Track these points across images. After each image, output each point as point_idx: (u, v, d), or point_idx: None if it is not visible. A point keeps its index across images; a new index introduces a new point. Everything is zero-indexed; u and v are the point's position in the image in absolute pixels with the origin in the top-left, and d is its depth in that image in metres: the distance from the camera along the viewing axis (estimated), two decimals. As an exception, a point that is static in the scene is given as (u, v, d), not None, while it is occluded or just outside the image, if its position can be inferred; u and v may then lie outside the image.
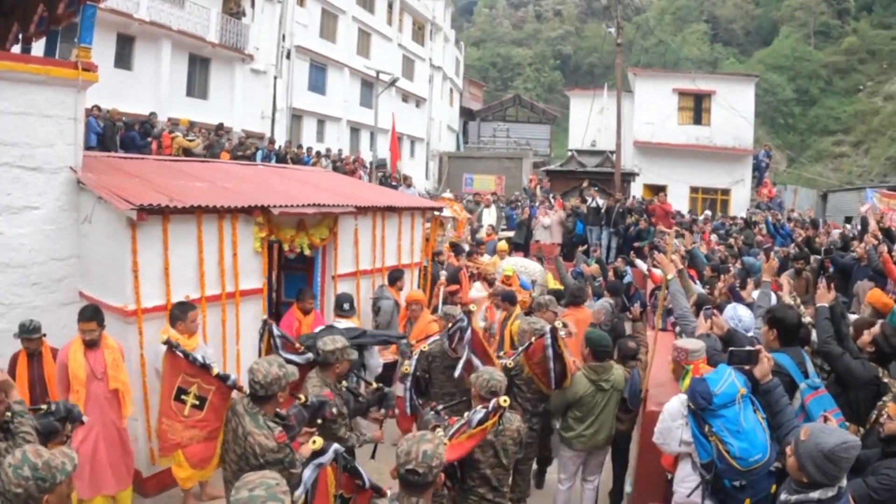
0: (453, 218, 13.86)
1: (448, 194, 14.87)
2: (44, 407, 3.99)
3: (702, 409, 4.11)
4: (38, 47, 8.87)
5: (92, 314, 5.55)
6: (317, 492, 3.56)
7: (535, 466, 6.79)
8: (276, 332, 5.94)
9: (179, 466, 5.37)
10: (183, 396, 4.35)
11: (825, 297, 5.35)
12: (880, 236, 9.58)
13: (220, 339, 7.04)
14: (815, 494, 3.03)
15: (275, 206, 7.30)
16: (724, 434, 4.01)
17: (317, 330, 6.72)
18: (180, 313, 6.05)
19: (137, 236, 6.12)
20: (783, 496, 3.23)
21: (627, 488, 7.00)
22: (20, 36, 8.87)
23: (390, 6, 37.24)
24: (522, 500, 5.97)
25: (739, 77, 31.93)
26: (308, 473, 3.51)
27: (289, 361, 4.78)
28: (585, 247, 15.53)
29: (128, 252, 6.11)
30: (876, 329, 5.07)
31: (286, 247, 7.80)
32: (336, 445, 3.58)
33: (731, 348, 4.20)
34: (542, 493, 7.02)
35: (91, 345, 5.50)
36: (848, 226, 16.40)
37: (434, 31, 42.57)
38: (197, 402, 4.36)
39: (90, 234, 6.75)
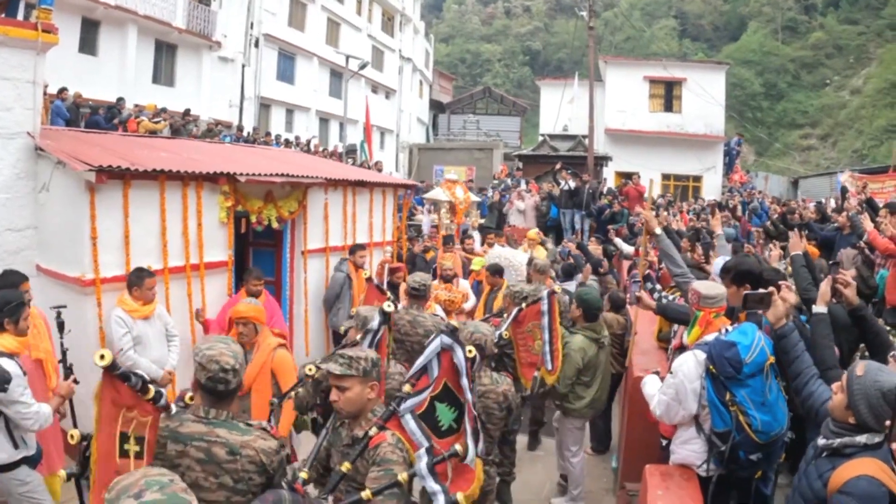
0: (449, 202, 12.87)
1: (453, 175, 13.86)
2: None
3: (728, 378, 3.73)
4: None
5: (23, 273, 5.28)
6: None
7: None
8: None
9: None
10: (125, 446, 2.87)
11: (798, 245, 5.28)
12: (863, 204, 9.52)
13: (185, 314, 6.78)
14: (861, 438, 2.72)
15: (241, 174, 7.04)
16: (749, 405, 3.66)
17: None
18: (136, 279, 5.83)
19: (96, 201, 5.86)
20: (821, 441, 2.91)
21: (613, 464, 6.84)
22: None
23: (360, -5, 36.84)
24: (510, 473, 5.69)
25: (710, 64, 32.14)
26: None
27: None
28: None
29: (86, 218, 5.85)
30: (853, 271, 5.02)
31: (253, 218, 7.53)
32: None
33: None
34: (533, 463, 6.84)
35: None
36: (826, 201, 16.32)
37: (404, 22, 42.29)
38: (138, 448, 2.91)
39: (48, 202, 6.44)
